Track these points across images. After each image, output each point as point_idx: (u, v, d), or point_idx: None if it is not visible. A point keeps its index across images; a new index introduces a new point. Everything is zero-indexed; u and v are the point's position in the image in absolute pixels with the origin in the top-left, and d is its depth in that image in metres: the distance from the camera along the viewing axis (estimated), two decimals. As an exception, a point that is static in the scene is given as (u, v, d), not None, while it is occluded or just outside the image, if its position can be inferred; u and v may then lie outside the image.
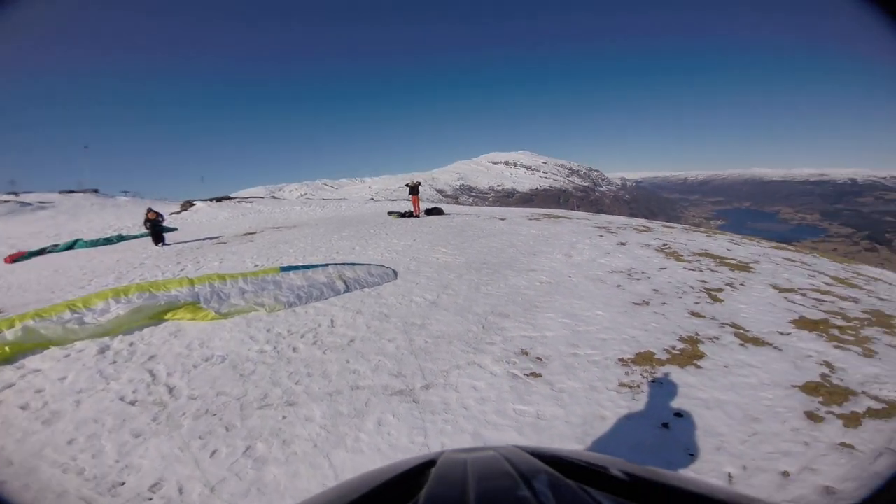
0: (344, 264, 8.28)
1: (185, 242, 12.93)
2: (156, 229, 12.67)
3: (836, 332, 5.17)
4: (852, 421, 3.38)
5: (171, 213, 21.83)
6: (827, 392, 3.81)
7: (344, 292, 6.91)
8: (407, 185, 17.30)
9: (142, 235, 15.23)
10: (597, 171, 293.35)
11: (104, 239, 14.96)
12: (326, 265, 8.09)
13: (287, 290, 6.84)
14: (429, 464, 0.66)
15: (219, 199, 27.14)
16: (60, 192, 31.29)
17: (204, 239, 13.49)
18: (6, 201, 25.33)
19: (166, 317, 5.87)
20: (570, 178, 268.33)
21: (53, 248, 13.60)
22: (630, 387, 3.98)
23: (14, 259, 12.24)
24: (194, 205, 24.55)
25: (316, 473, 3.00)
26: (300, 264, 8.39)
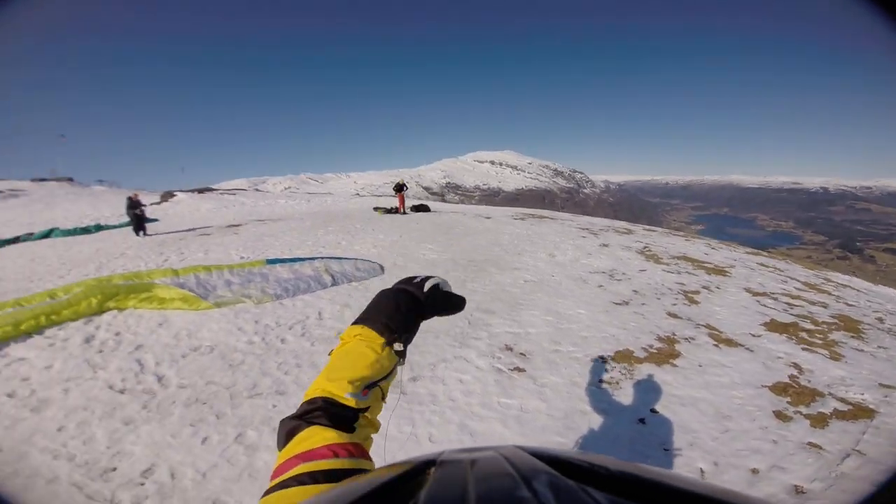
0: (331, 258, 8.30)
1: (168, 233, 12.70)
2: (138, 217, 12.40)
3: (804, 335, 5.46)
4: (819, 421, 3.59)
5: (152, 204, 21.28)
6: (795, 393, 4.03)
7: (331, 286, 6.94)
8: (395, 184, 17.30)
9: (121, 225, 14.89)
10: (581, 173, 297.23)
11: (81, 228, 14.58)
12: (313, 258, 8.10)
13: (274, 282, 6.84)
14: (428, 464, 0.69)
15: (201, 191, 26.60)
16: (33, 181, 30.25)
17: (187, 230, 13.27)
18: (-26, 188, 24.42)
19: (154, 305, 5.84)
20: (554, 179, 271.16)
21: (28, 237, 13.20)
22: (609, 383, 4.15)
23: (-14, 246, 11.87)
24: (175, 196, 24.04)
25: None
26: (287, 257, 8.38)
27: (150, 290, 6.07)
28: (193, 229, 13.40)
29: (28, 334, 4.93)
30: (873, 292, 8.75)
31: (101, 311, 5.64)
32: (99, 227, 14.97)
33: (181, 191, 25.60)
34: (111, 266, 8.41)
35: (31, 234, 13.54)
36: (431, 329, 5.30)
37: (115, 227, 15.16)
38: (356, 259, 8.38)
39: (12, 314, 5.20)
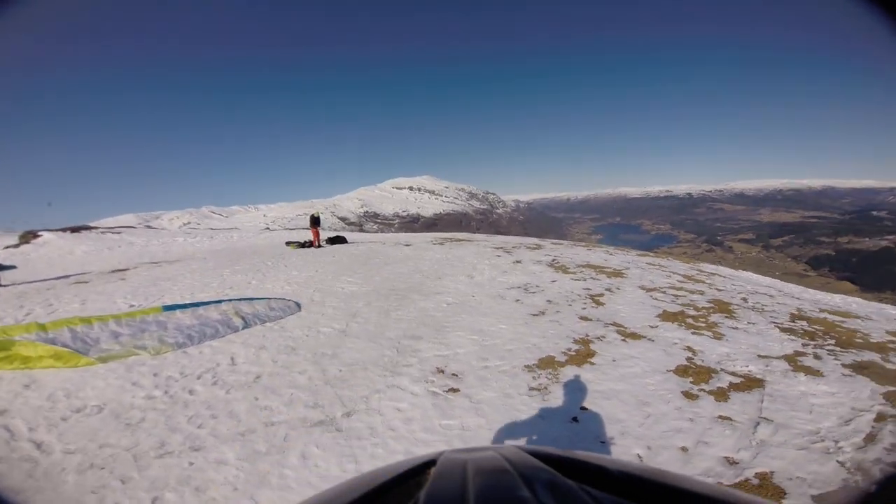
0: (240, 299, 7.70)
1: (30, 283, 10.74)
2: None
3: (691, 320, 6.28)
4: (721, 395, 4.10)
5: (6, 248, 17.62)
6: (694, 373, 4.60)
7: (243, 328, 6.41)
8: (311, 216, 16.67)
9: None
10: (493, 193, 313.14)
11: None
12: (220, 301, 7.45)
13: (174, 329, 6.14)
14: (428, 464, 0.66)
15: (75, 229, 22.79)
16: None
17: (57, 278, 11.36)
18: None
19: (16, 365, 4.90)
20: (470, 202, 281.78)
21: None
22: (539, 389, 4.36)
23: None
24: (40, 236, 20.22)
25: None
26: (188, 302, 7.58)
27: (8, 349, 5.10)
28: (66, 276, 11.50)
29: None
30: (736, 277, 10.41)
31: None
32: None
33: (48, 230, 21.61)
34: (-47, 329, 6.89)
35: None
36: (358, 362, 5.14)
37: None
38: (269, 298, 7.87)
39: None
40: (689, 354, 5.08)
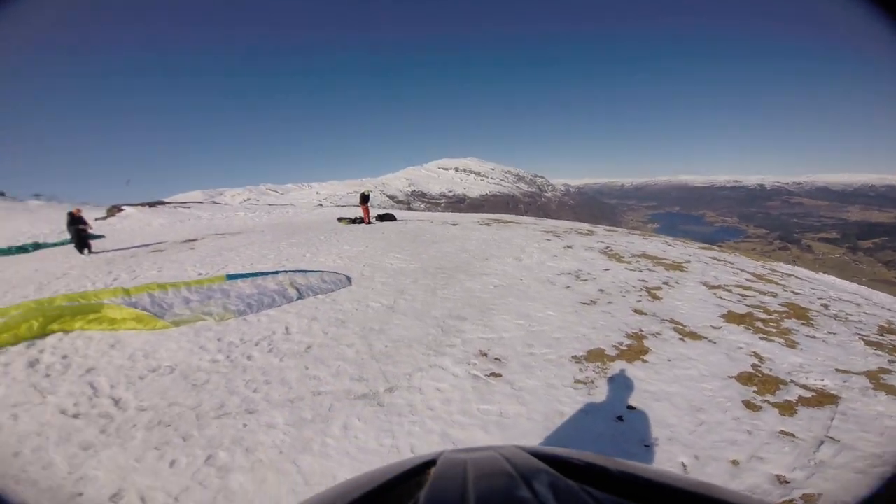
0: (295, 271, 8.05)
1: (116, 250, 11.91)
2: (80, 234, 11.53)
3: (760, 324, 5.77)
4: (787, 409, 3.73)
5: (97, 219, 19.73)
6: (760, 382, 4.21)
7: (297, 299, 6.72)
8: (362, 194, 17.05)
9: (62, 243, 13.80)
10: (542, 177, 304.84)
11: (17, 247, 13.44)
12: (276, 272, 7.83)
13: (236, 298, 6.54)
14: (429, 464, 0.66)
15: (152, 204, 25.08)
16: (-47, 196, 27.58)
17: (138, 247, 12.51)
18: None
19: (105, 326, 5.44)
20: (517, 185, 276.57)
21: (-47, 258, 12.03)
22: (585, 382, 4.22)
23: None
24: (123, 210, 22.51)
25: (284, 479, 2.92)
26: (248, 272, 8.05)
27: (98, 311, 5.66)
28: (145, 245, 12.65)
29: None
30: (816, 280, 9.43)
31: (44, 334, 5.19)
32: (37, 246, 13.84)
33: (129, 204, 23.99)
34: (53, 287, 7.77)
35: (-44, 255, 12.35)
36: (403, 339, 5.23)
37: (55, 244, 14.04)
38: (322, 271, 8.16)
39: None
40: (756, 361, 4.68)
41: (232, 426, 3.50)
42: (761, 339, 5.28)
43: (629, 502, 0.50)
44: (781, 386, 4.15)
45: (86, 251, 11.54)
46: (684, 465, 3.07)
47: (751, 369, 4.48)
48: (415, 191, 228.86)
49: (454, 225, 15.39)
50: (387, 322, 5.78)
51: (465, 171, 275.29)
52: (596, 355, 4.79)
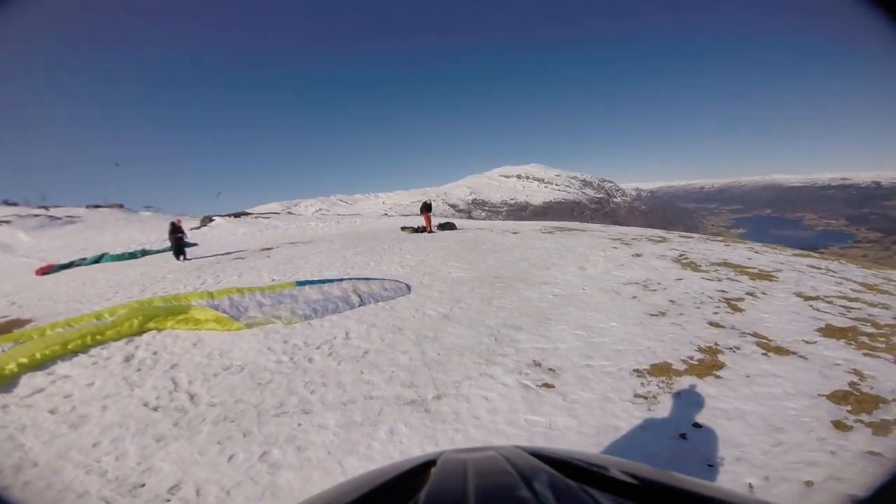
0: (358, 279, 8.39)
1: (205, 257, 13.25)
2: (178, 242, 13.00)
3: (865, 339, 5.01)
4: (882, 429, 3.25)
5: (192, 229, 22.27)
6: (856, 400, 3.67)
7: (358, 306, 6.99)
8: (423, 203, 17.46)
9: (164, 250, 15.66)
10: (610, 182, 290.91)
11: (129, 253, 15.43)
12: (342, 280, 8.21)
13: (303, 303, 6.95)
14: (429, 464, 0.67)
15: (236, 215, 27.68)
16: (87, 207, 32.24)
17: (223, 254, 13.81)
18: (37, 215, 26.21)
19: (190, 326, 6.05)
20: (583, 190, 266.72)
21: (81, 262, 14.07)
22: (646, 397, 3.92)
23: (44, 272, 12.70)
24: (213, 220, 25.08)
25: (328, 479, 3.03)
26: (316, 279, 8.53)
27: (186, 312, 6.30)
28: (229, 253, 13.93)
29: (74, 353, 5.21)
30: (942, 293, 7.99)
31: (141, 331, 5.89)
32: (144, 252, 15.80)
33: (219, 215, 26.71)
34: (153, 289, 8.81)
35: (84, 258, 14.44)
36: (456, 347, 5.22)
37: (158, 251, 15.97)
38: (383, 279, 8.43)
39: (61, 334, 5.53)
40: (855, 379, 4.05)
41: (288, 425, 3.70)
42: (864, 354, 4.57)
43: (629, 502, 0.49)
44: (881, 405, 3.56)
45: (181, 257, 12.98)
46: (751, 486, 2.75)
47: (847, 387, 3.90)
48: (476, 199, 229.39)
49: (514, 233, 15.18)
50: (441, 330, 5.81)
51: (527, 178, 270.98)
52: (661, 369, 4.44)
